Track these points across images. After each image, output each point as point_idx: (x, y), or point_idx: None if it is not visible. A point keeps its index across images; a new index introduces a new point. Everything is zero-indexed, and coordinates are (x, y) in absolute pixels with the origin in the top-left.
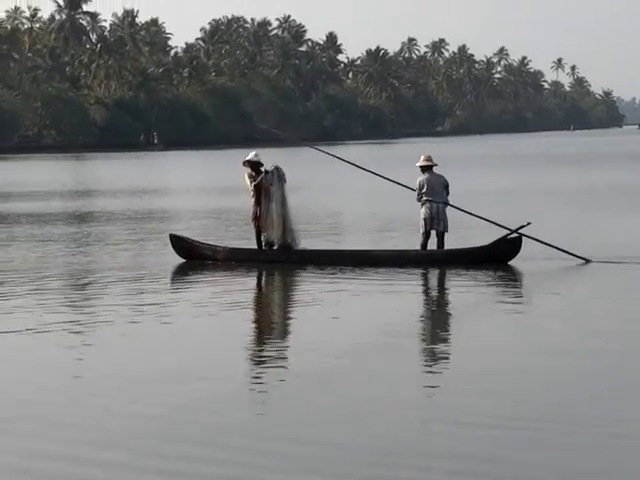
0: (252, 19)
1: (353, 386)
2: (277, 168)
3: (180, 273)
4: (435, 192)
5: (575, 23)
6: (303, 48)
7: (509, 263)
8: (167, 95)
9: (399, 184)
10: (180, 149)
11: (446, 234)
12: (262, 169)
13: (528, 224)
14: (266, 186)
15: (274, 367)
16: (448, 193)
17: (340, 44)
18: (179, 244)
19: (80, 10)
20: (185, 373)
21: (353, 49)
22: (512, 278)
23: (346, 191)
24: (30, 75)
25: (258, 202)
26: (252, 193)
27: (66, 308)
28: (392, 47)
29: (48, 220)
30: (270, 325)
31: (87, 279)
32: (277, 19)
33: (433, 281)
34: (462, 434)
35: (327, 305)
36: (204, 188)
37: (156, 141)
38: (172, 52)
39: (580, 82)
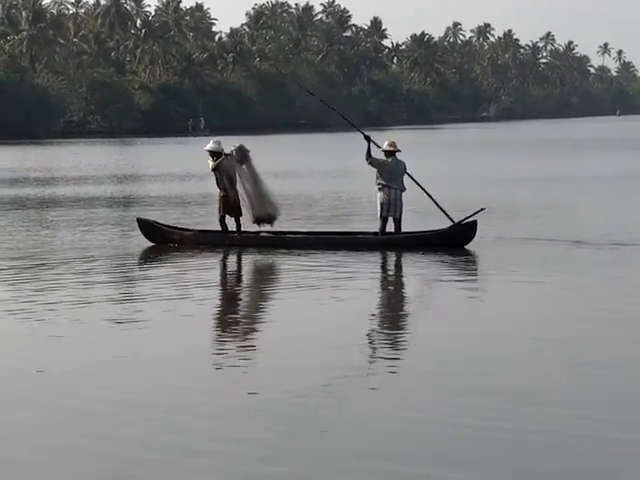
0: (296, 4)
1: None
2: (239, 148)
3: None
4: (395, 179)
5: (622, 7)
6: (347, 33)
7: (465, 247)
8: (211, 80)
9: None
10: (225, 134)
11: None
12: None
13: (482, 210)
14: (226, 168)
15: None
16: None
17: (385, 29)
18: (147, 228)
19: None
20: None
21: (398, 34)
22: (469, 261)
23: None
24: (75, 60)
25: (219, 185)
26: (214, 177)
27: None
28: (437, 32)
29: (97, 204)
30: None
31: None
32: (321, 4)
33: (391, 264)
34: None
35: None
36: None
37: (202, 126)
38: (216, 37)
39: (627, 67)
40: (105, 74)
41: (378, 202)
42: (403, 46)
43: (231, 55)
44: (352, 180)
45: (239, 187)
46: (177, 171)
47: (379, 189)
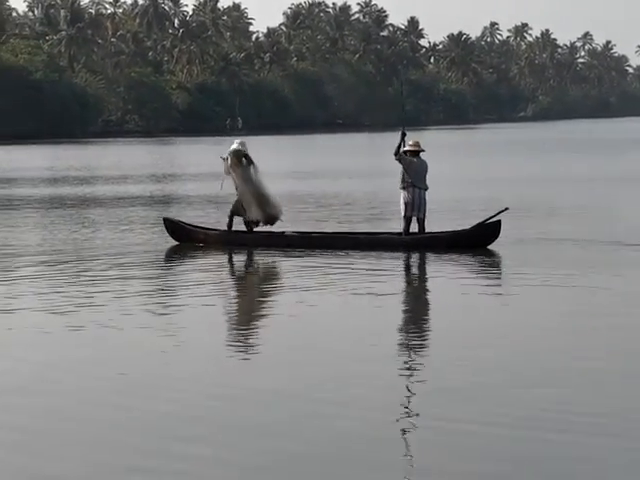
0: (333, 4)
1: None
2: (233, 153)
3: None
4: (419, 178)
5: None
6: (384, 33)
7: (488, 247)
8: (249, 80)
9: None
10: (262, 134)
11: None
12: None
13: (506, 209)
14: (227, 171)
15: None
16: None
17: (422, 29)
18: (172, 227)
19: None
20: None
21: (435, 34)
22: (493, 262)
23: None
24: (113, 60)
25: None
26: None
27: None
28: (474, 32)
29: (137, 202)
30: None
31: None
32: (358, 4)
33: (414, 265)
34: None
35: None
36: (287, 172)
37: (240, 126)
38: (254, 37)
39: None
40: (143, 73)
41: (402, 202)
42: (440, 46)
43: (268, 55)
44: (389, 180)
45: (245, 186)
46: (215, 170)
47: (403, 188)
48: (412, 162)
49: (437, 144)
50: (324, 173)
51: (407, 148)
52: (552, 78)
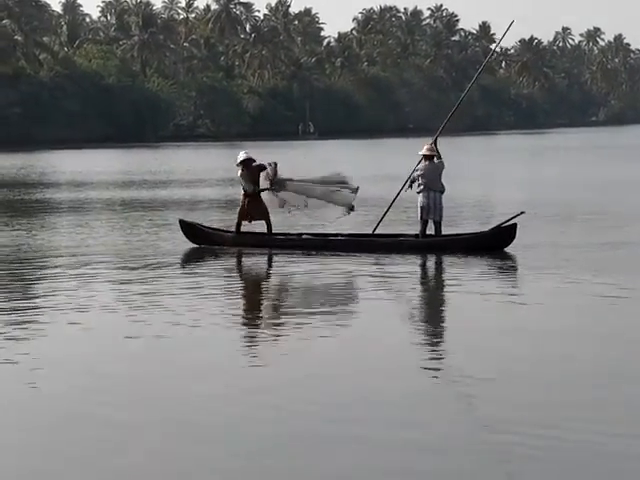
0: (405, 9)
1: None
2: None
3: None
4: (433, 181)
5: None
6: (456, 37)
7: (505, 250)
8: (320, 85)
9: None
10: (333, 138)
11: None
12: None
13: (522, 213)
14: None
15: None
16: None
17: (493, 33)
18: (188, 230)
19: (235, 1)
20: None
21: (506, 39)
22: (511, 265)
23: (509, 180)
24: (185, 65)
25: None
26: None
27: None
28: (546, 36)
29: (215, 206)
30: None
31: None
32: (429, 8)
33: (430, 267)
34: None
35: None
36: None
37: (312, 130)
38: (325, 42)
39: None
40: (214, 78)
41: (418, 205)
42: (512, 50)
43: (339, 59)
44: (461, 184)
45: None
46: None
47: (419, 192)
48: (424, 169)
49: (507, 148)
50: (395, 177)
51: (421, 152)
52: (624, 83)
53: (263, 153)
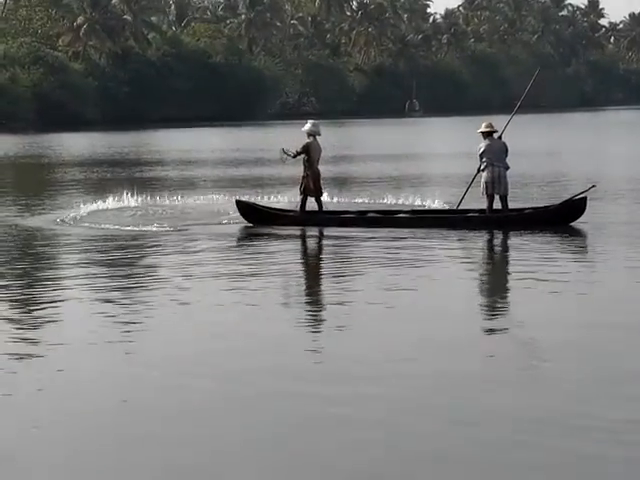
0: None
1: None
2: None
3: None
4: (497, 156)
5: None
6: (564, 12)
7: (572, 224)
8: (426, 62)
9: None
10: (439, 115)
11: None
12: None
13: (593, 187)
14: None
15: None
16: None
17: (602, 8)
18: (245, 209)
19: None
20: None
21: (615, 13)
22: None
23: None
24: (292, 43)
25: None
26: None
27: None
28: None
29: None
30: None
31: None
32: None
33: (499, 242)
34: None
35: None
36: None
37: (417, 108)
38: (431, 19)
39: None
40: (321, 56)
41: (482, 181)
42: (621, 25)
43: (445, 36)
44: (568, 159)
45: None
46: (402, 152)
47: (484, 168)
48: (486, 146)
49: (615, 123)
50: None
51: (481, 130)
52: None
53: (375, 131)
